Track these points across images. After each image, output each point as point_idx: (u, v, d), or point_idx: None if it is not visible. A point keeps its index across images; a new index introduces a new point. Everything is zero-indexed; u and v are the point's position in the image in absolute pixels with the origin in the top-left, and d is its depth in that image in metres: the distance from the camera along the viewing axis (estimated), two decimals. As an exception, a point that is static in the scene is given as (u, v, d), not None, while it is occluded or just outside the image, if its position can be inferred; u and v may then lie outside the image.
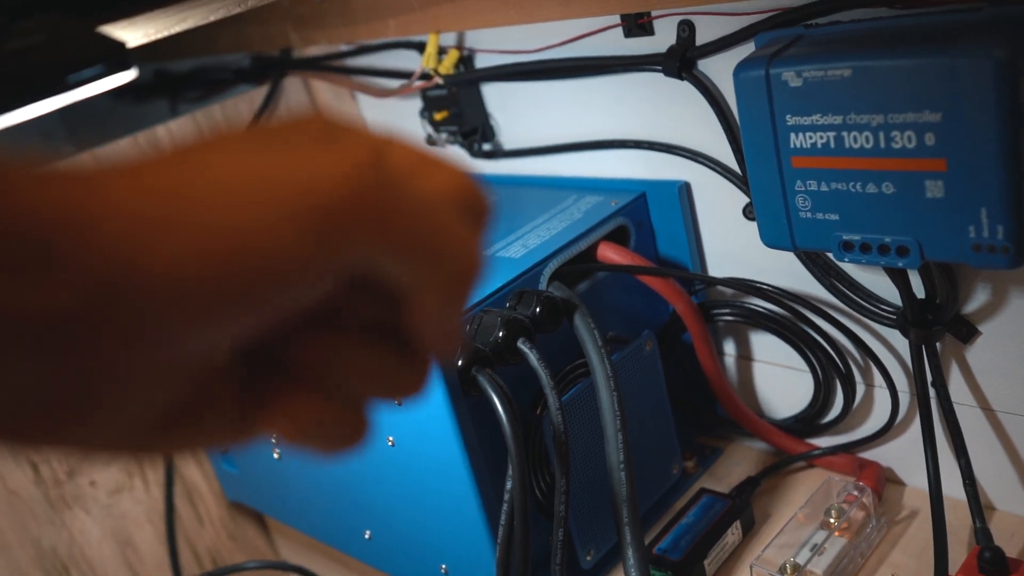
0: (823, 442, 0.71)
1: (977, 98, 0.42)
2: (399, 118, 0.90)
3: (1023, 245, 0.45)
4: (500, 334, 0.57)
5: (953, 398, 0.58)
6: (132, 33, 0.43)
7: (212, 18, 0.46)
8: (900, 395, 0.63)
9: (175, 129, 0.84)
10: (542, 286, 0.64)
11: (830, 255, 0.58)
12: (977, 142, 0.43)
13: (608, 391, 0.59)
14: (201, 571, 0.80)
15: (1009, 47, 0.42)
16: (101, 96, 0.79)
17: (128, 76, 0.51)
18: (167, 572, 0.82)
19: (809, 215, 0.52)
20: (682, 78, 0.63)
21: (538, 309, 0.59)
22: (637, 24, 0.64)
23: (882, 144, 0.47)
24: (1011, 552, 0.56)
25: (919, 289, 0.56)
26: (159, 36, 0.46)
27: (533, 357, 0.57)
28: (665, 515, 0.69)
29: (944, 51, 0.43)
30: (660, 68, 0.64)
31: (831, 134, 0.49)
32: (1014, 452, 0.59)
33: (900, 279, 0.55)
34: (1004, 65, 0.41)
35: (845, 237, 0.51)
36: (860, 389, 0.67)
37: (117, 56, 0.47)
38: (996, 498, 0.62)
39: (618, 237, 0.70)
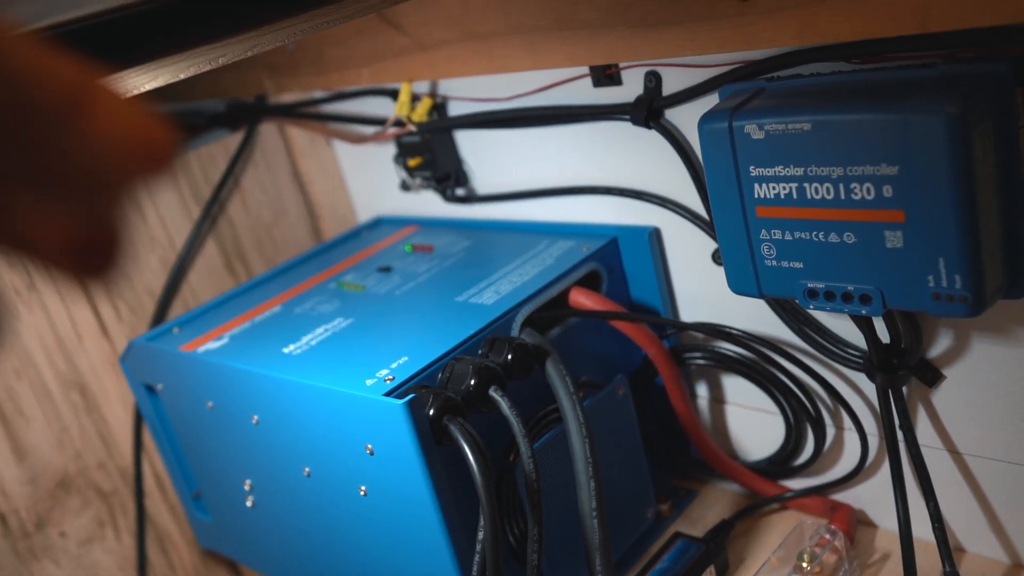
0: (796, 484, 0.71)
1: (931, 153, 0.44)
2: (374, 164, 0.90)
3: (981, 294, 0.46)
4: (472, 382, 0.57)
5: (921, 441, 0.59)
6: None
7: (183, 75, 0.46)
8: (869, 438, 0.64)
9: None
10: (514, 332, 0.64)
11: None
12: (933, 195, 0.44)
13: (580, 438, 0.59)
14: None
15: (961, 103, 0.43)
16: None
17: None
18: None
19: (774, 263, 0.53)
20: (649, 127, 0.64)
21: (510, 356, 0.60)
22: (605, 74, 0.66)
23: (842, 195, 0.48)
24: (981, 595, 0.57)
25: (884, 334, 0.57)
26: (130, 96, 0.46)
27: (505, 405, 0.57)
28: (640, 559, 0.69)
29: (898, 107, 0.44)
30: (628, 117, 0.65)
31: (793, 185, 0.50)
32: (982, 495, 0.60)
33: (865, 325, 0.56)
34: (956, 120, 0.43)
35: (810, 285, 0.52)
36: (830, 432, 0.67)
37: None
38: (965, 540, 0.62)
39: (590, 282, 0.71)
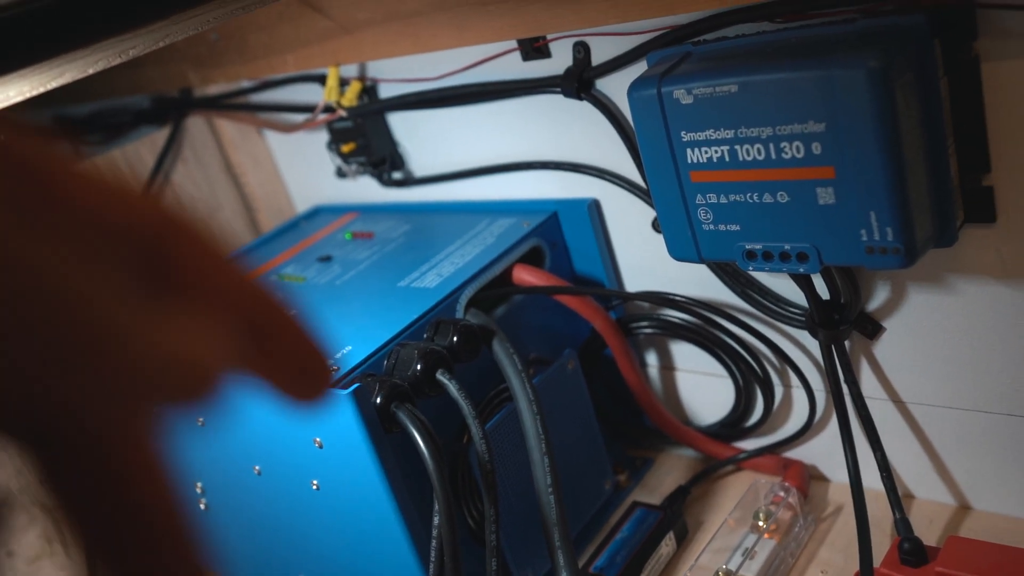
0: (748, 445, 0.72)
1: (855, 108, 0.44)
2: (308, 152, 0.89)
3: (913, 245, 0.46)
4: (418, 367, 0.57)
5: (865, 393, 0.60)
6: (3, 92, 0.42)
7: (91, 71, 0.44)
8: (816, 394, 0.65)
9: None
10: (459, 314, 0.63)
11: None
12: (860, 149, 0.45)
13: (531, 415, 0.59)
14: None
15: (882, 57, 0.43)
16: None
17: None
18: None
19: (712, 227, 0.53)
20: (581, 98, 0.63)
21: (455, 338, 0.59)
22: (533, 48, 0.65)
23: (773, 155, 0.48)
24: (931, 537, 0.58)
25: (824, 291, 0.58)
26: (35, 93, 0.44)
27: (453, 388, 0.57)
28: (601, 531, 0.69)
29: (821, 64, 0.44)
30: (559, 90, 0.64)
31: (725, 148, 0.50)
32: (926, 441, 0.61)
33: (804, 283, 0.56)
34: (877, 75, 0.43)
35: (747, 247, 0.52)
36: (779, 391, 0.68)
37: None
38: (913, 486, 0.64)
39: (533, 258, 0.70)
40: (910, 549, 0.53)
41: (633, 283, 0.72)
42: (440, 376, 0.57)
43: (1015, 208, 0.49)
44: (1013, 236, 0.50)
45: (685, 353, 0.72)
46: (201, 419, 0.64)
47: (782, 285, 0.62)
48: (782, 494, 0.64)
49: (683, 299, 0.66)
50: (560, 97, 0.65)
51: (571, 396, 0.68)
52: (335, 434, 0.55)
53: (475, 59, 0.68)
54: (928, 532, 0.60)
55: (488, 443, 0.57)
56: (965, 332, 0.55)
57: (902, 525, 0.56)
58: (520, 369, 0.60)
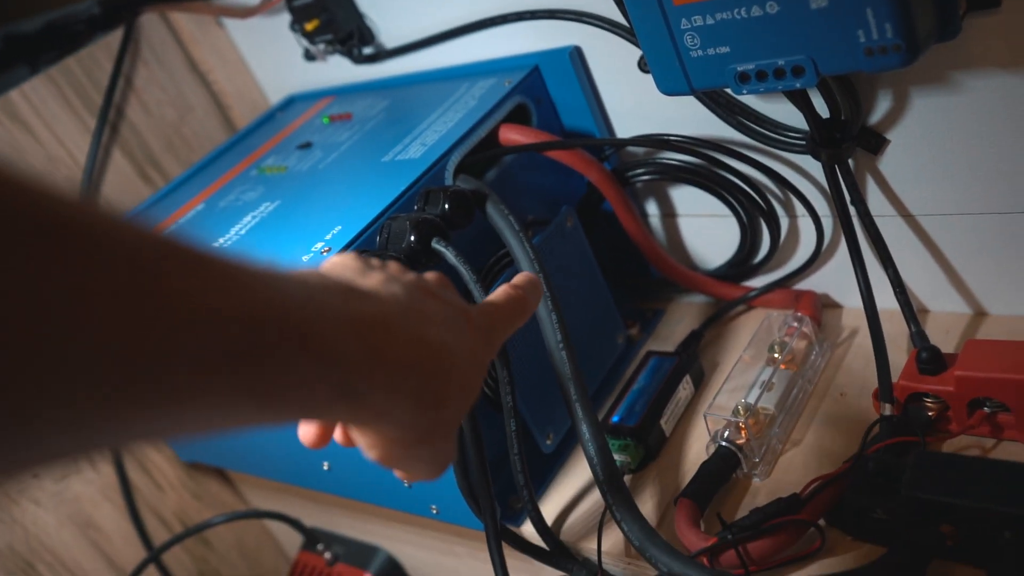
0: (758, 282, 0.71)
1: None
2: (273, 38, 0.84)
3: (914, 40, 0.43)
4: (412, 238, 0.55)
5: (873, 211, 0.58)
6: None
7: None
8: (823, 220, 0.63)
9: (30, 92, 0.78)
10: (448, 182, 0.61)
11: (729, 91, 0.57)
12: (852, -61, 0.41)
13: (534, 273, 0.57)
14: (172, 535, 0.79)
15: None
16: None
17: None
18: (137, 545, 0.81)
19: (700, 53, 0.50)
20: (549, -66, 0.59)
21: (447, 205, 0.57)
22: None
23: (758, -39, 0.45)
24: (948, 346, 0.58)
25: (823, 110, 0.55)
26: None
27: (450, 254, 0.55)
28: (618, 384, 0.69)
29: None
30: (524, -72, 0.60)
31: (706, -39, 0.47)
32: (938, 253, 0.60)
33: (802, 101, 0.54)
34: None
35: (740, 68, 0.49)
36: (784, 222, 0.66)
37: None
38: (928, 300, 0.63)
39: (519, 117, 0.67)
40: (928, 358, 0.52)
41: (625, 131, 0.70)
42: (436, 244, 0.55)
43: (1020, -11, 0.46)
44: (1021, 19, 0.47)
45: (685, 197, 0.70)
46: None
47: (778, 110, 0.59)
48: (795, 324, 0.63)
49: (678, 138, 0.64)
50: (526, -62, 0.61)
51: (573, 254, 0.67)
52: (336, 314, 0.54)
53: (431, -92, 0.64)
54: (945, 342, 0.59)
55: (493, 306, 0.55)
56: (974, 132, 0.53)
57: (918, 337, 0.55)
58: (518, 229, 0.58)
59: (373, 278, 0.36)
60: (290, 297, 0.29)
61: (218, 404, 0.26)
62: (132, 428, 0.23)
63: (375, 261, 0.39)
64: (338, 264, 0.38)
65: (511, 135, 0.65)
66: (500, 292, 0.43)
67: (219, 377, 0.25)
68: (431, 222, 0.56)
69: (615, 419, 0.63)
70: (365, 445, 0.36)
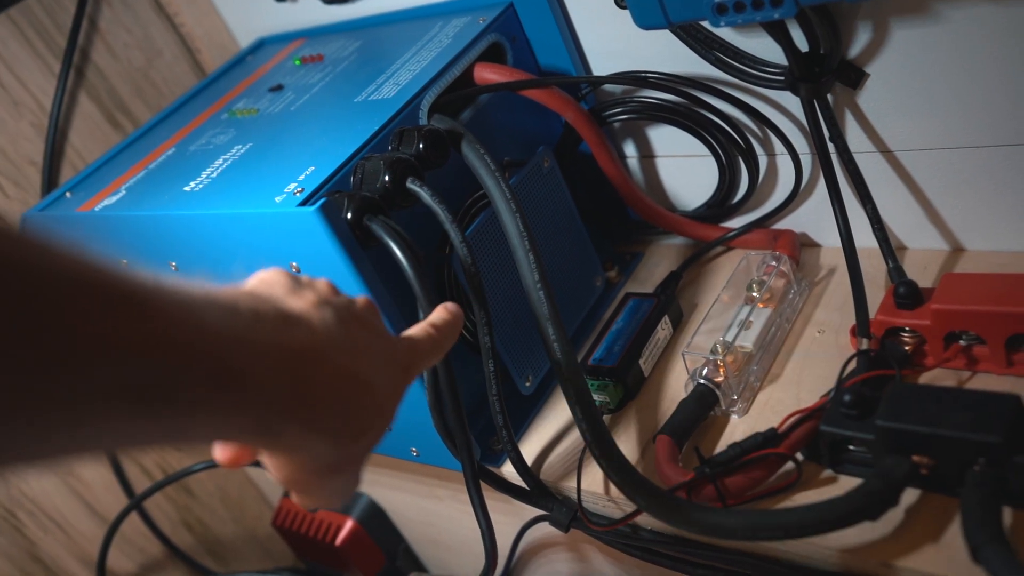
0: (737, 223, 0.70)
1: None
2: (240, -22, 0.82)
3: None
4: (386, 177, 0.54)
5: (852, 148, 0.57)
6: None
7: None
8: (802, 157, 0.63)
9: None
10: (422, 121, 0.60)
11: (707, 24, 0.56)
12: None
13: (510, 213, 0.57)
14: (153, 482, 0.79)
15: None
16: None
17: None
18: (118, 492, 0.81)
19: (677, -16, 0.49)
20: None
21: (421, 145, 0.56)
22: None
23: None
24: (926, 281, 0.58)
25: (802, 44, 0.54)
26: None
27: (426, 194, 0.54)
28: (596, 326, 0.69)
29: None
30: None
31: None
32: (917, 189, 0.59)
33: (780, 33, 0.53)
34: None
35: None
36: (763, 161, 0.66)
37: None
38: (905, 237, 0.63)
39: (494, 55, 0.66)
40: (905, 292, 0.52)
41: (602, 70, 0.68)
42: (411, 184, 0.54)
43: (1002, -86, 0.45)
44: (1001, -54, 0.46)
45: (664, 137, 0.69)
46: (174, 263, 0.62)
47: (756, 45, 0.58)
48: (773, 263, 0.63)
49: (656, 75, 0.63)
50: None
51: (550, 196, 0.66)
52: (310, 255, 0.53)
53: None
54: (923, 276, 0.59)
55: (469, 247, 0.55)
56: (954, 64, 0.52)
57: (896, 273, 0.55)
58: (493, 169, 0.57)
59: (304, 299, 0.35)
60: (214, 329, 0.28)
61: (118, 430, 0.26)
62: (18, 445, 0.23)
63: (305, 278, 0.38)
64: (266, 280, 0.37)
65: (486, 74, 0.64)
66: (420, 329, 0.43)
67: (122, 406, 0.25)
68: (405, 162, 0.55)
69: (594, 359, 0.63)
70: (273, 468, 0.36)
